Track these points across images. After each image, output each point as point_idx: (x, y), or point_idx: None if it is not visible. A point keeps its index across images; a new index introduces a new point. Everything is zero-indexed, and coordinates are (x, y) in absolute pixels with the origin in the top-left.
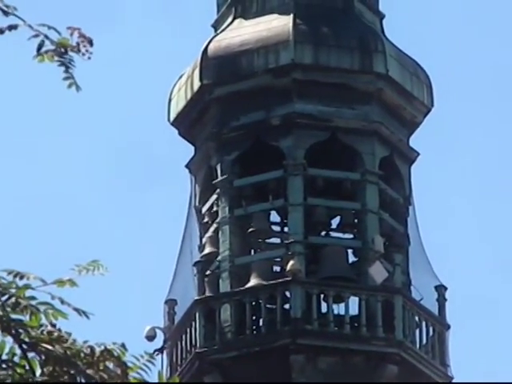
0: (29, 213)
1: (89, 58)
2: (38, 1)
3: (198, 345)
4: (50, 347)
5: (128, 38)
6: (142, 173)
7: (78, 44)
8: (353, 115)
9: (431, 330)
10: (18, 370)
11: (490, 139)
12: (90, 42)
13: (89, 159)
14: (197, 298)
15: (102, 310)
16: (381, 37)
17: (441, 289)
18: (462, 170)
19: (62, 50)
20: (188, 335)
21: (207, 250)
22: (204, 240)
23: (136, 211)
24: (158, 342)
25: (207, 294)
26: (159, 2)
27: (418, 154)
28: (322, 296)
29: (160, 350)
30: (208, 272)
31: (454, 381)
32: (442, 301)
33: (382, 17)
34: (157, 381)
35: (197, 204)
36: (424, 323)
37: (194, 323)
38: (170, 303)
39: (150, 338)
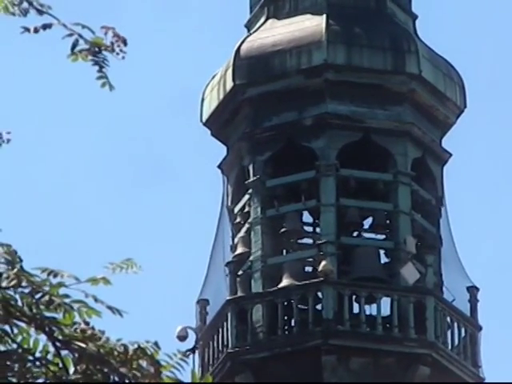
0: (63, 211)
1: (123, 57)
2: (72, 0)
3: (229, 345)
4: (83, 345)
5: (162, 38)
6: (175, 173)
7: (112, 43)
8: (385, 116)
9: (463, 331)
10: (52, 368)
11: None
12: (124, 42)
13: (119, 159)
14: (229, 298)
15: (135, 308)
16: (413, 37)
17: (473, 290)
18: (495, 171)
19: (96, 49)
20: (220, 335)
21: (239, 250)
22: (236, 240)
23: (170, 211)
24: (190, 342)
25: (239, 294)
26: (195, 2)
27: (451, 155)
28: (353, 297)
29: (192, 350)
30: (240, 272)
31: (485, 382)
32: (474, 302)
33: (414, 17)
34: (190, 380)
35: (229, 204)
36: (456, 324)
37: (225, 323)
38: (202, 303)
39: (182, 338)
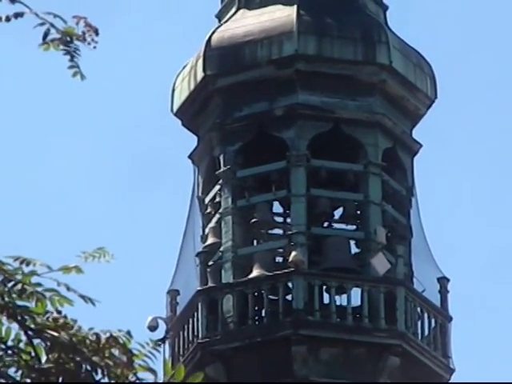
0: (35, 200)
1: (94, 47)
2: None
3: (200, 335)
4: (55, 334)
5: (131, 28)
6: (145, 163)
7: (83, 33)
8: (356, 106)
9: (433, 321)
10: (24, 357)
11: (493, 131)
12: (96, 32)
13: (92, 149)
14: (199, 288)
15: (106, 297)
16: (384, 28)
17: (443, 280)
18: (465, 162)
19: (68, 38)
20: (190, 325)
21: (210, 240)
22: (207, 230)
23: (140, 201)
24: (160, 332)
25: (210, 284)
26: None
27: (421, 146)
28: (324, 287)
29: (162, 341)
30: (210, 262)
31: (455, 373)
32: (444, 292)
33: (385, 8)
34: (162, 369)
35: (199, 194)
36: (426, 315)
37: (196, 314)
38: (173, 293)
39: (152, 328)
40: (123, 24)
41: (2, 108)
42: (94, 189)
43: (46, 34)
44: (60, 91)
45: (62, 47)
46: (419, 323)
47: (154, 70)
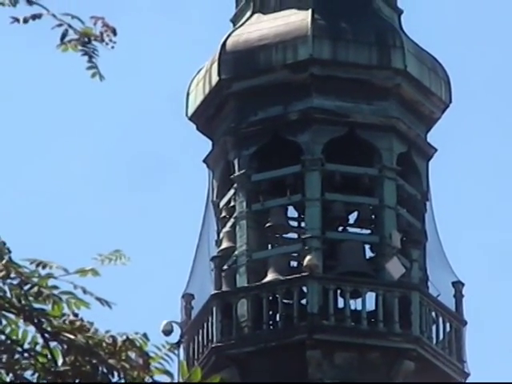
0: (52, 203)
1: (112, 47)
2: None
3: (214, 339)
4: (72, 336)
5: (146, 31)
6: (161, 167)
7: (101, 33)
8: (371, 111)
9: (448, 326)
10: (40, 359)
11: (508, 136)
12: (114, 32)
13: (108, 152)
14: (214, 292)
15: (121, 301)
16: (399, 32)
17: (458, 285)
18: (480, 166)
19: (86, 39)
20: (205, 330)
21: (224, 244)
22: (221, 235)
23: (156, 205)
24: (175, 336)
25: (224, 288)
26: None
27: (436, 150)
28: (338, 291)
29: (177, 345)
30: (225, 267)
31: (470, 377)
32: (459, 297)
33: (400, 12)
34: (177, 371)
35: (214, 199)
36: (441, 319)
37: (210, 318)
38: (187, 297)
39: (167, 332)
40: (138, 27)
41: (21, 109)
42: (110, 192)
43: (63, 35)
44: (77, 92)
45: (80, 48)
46: (434, 327)
47: (169, 73)
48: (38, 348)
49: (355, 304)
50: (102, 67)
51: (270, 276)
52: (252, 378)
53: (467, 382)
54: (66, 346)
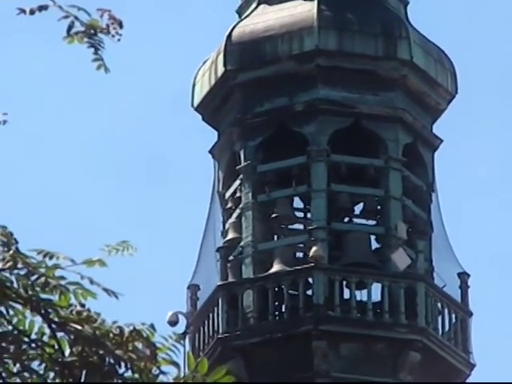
0: (59, 194)
1: (118, 39)
2: None
3: (220, 330)
4: (79, 327)
5: (154, 23)
6: (166, 158)
7: (107, 26)
8: (377, 102)
9: (454, 317)
10: (47, 350)
11: None
12: (120, 24)
13: (114, 143)
14: (219, 283)
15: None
16: (405, 23)
17: (464, 276)
18: (485, 157)
19: (92, 31)
20: (210, 321)
21: (230, 235)
22: (227, 225)
23: (162, 196)
24: (181, 327)
25: (230, 279)
26: None
27: (442, 141)
28: (344, 282)
29: (182, 335)
30: (231, 258)
31: (476, 368)
32: (464, 288)
33: (406, 3)
34: (183, 362)
35: (220, 189)
36: (446, 310)
37: (216, 309)
38: (193, 288)
39: (173, 323)
40: (144, 19)
41: (26, 102)
42: (116, 183)
43: (70, 27)
44: (83, 84)
45: (86, 40)
46: (440, 318)
47: (175, 65)
48: (45, 338)
49: (361, 295)
50: (108, 59)
51: (276, 267)
52: (258, 369)
53: (467, 382)
54: (73, 337)
